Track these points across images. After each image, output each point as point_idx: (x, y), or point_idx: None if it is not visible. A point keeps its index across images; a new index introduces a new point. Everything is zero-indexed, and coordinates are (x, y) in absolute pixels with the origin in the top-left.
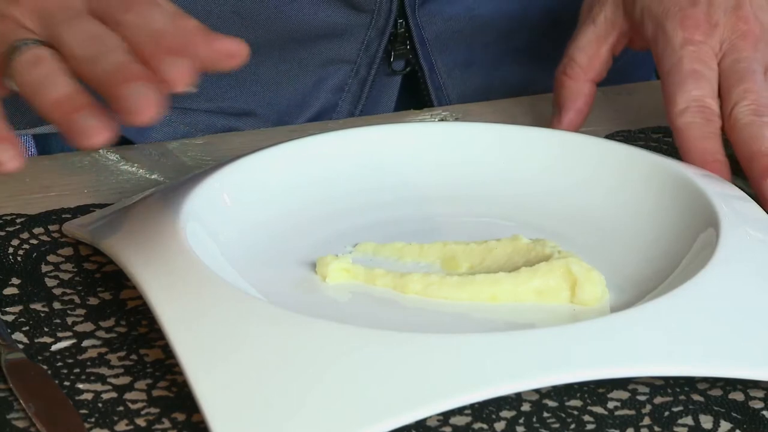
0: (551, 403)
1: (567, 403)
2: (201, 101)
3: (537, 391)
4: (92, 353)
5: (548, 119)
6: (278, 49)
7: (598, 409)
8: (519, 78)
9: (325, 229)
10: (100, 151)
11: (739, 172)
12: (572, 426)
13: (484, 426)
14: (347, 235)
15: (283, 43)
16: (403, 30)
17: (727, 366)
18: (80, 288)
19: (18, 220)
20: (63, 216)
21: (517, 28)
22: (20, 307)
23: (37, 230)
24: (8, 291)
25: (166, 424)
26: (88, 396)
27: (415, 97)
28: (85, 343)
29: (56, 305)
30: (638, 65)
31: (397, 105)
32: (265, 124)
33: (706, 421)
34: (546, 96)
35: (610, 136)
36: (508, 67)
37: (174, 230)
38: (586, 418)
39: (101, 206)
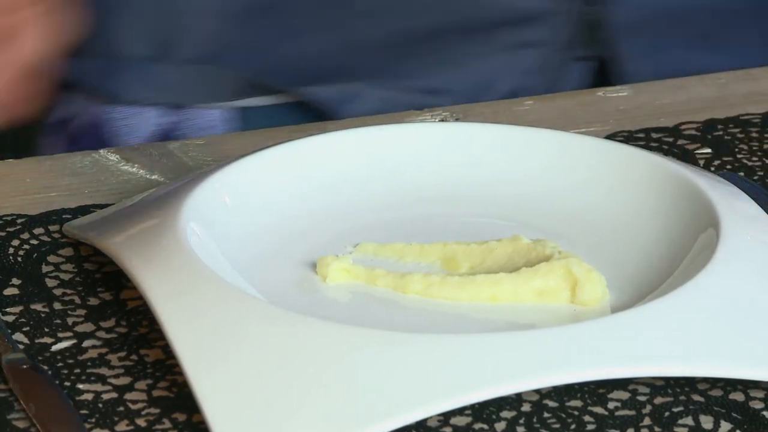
0: (552, 404)
1: (567, 404)
2: (392, 78)
3: (537, 391)
4: (93, 353)
5: (549, 119)
6: (470, 31)
7: (599, 410)
8: (710, 64)
9: (326, 229)
10: (101, 151)
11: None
12: (572, 426)
13: (485, 426)
14: (348, 236)
15: (475, 26)
16: (595, 15)
17: (727, 366)
18: (81, 288)
19: (18, 221)
20: (63, 216)
21: (710, 14)
22: (21, 308)
23: (37, 231)
24: (8, 291)
25: (167, 424)
26: (89, 396)
27: (604, 85)
28: (86, 343)
29: (57, 305)
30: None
31: None
32: (452, 103)
33: (707, 422)
34: (547, 96)
35: (611, 137)
36: (700, 53)
37: (174, 230)
38: (587, 418)
39: (102, 206)
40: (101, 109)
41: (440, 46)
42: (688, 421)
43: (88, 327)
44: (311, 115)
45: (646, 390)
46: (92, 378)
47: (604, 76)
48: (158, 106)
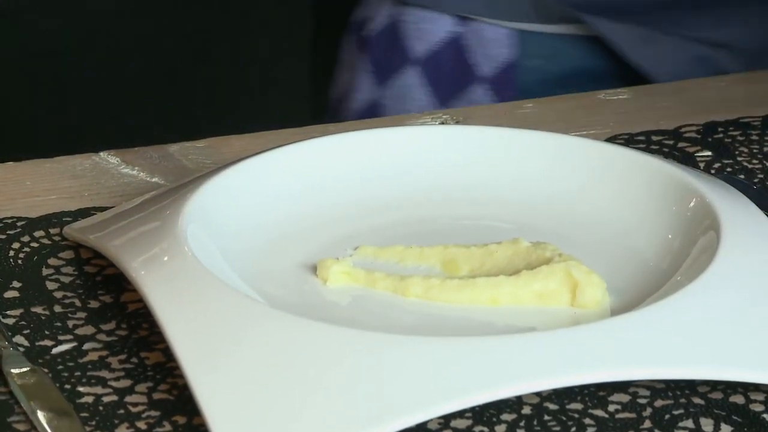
0: (552, 406)
1: (568, 406)
2: (680, 29)
3: (538, 394)
4: (93, 356)
5: (550, 121)
6: None
7: (599, 412)
8: None
9: (326, 232)
10: (101, 154)
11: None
12: (573, 429)
13: (485, 429)
14: (348, 238)
15: None
16: None
17: (727, 369)
18: (81, 291)
19: (19, 224)
20: (64, 219)
21: None
22: (21, 310)
23: (37, 233)
24: (9, 294)
25: (167, 427)
26: (89, 399)
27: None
28: (86, 346)
29: (57, 308)
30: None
31: None
32: (738, 60)
33: (707, 424)
34: (548, 99)
35: (611, 139)
36: None
37: (175, 233)
38: (587, 421)
39: (102, 209)
40: (397, 10)
41: (733, 3)
42: (689, 423)
43: (88, 330)
44: (596, 51)
45: (647, 393)
46: (92, 381)
47: None
48: (450, 14)
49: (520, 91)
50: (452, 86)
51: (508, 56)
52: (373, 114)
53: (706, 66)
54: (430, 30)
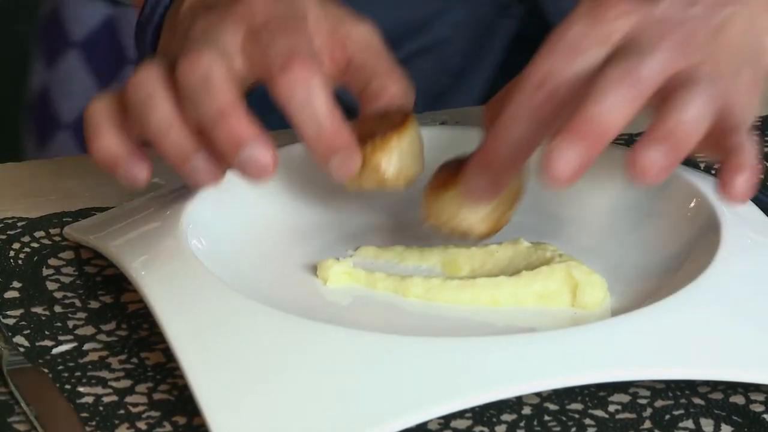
0: (552, 407)
1: (568, 407)
2: None
3: (538, 394)
4: (93, 357)
5: None
6: None
7: (599, 413)
8: None
9: (326, 232)
10: None
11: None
12: (573, 429)
13: (485, 429)
14: (348, 239)
15: None
16: None
17: (728, 369)
18: (81, 291)
19: (19, 224)
20: (64, 219)
21: None
22: (21, 311)
23: (38, 234)
24: (9, 294)
25: (167, 427)
26: (89, 399)
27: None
28: (86, 346)
29: (57, 308)
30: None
31: (517, 52)
32: None
33: (707, 425)
34: None
35: None
36: None
37: (175, 234)
38: (587, 421)
39: (102, 210)
40: None
41: None
42: (689, 424)
43: (88, 330)
44: None
45: (647, 393)
46: (93, 381)
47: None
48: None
49: None
50: (111, 68)
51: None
52: (45, 99)
53: None
54: (87, 14)
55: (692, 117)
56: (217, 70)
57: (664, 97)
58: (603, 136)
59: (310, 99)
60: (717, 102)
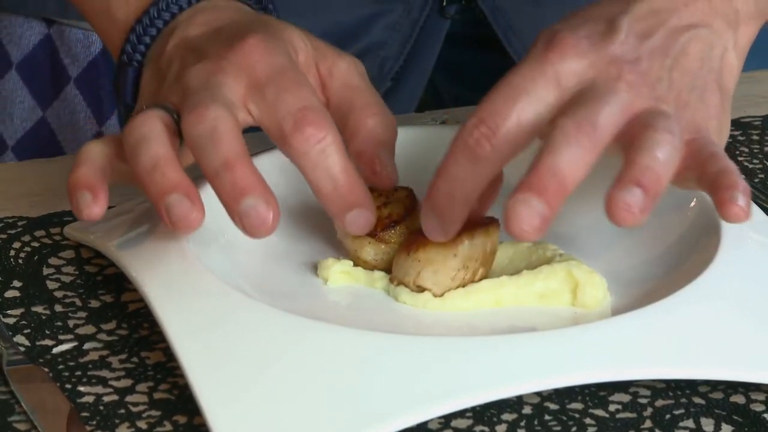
0: (552, 406)
1: (568, 406)
2: None
3: (538, 393)
4: (93, 356)
5: None
6: None
7: (600, 412)
8: None
9: (327, 232)
10: None
11: None
12: (573, 429)
13: (486, 429)
14: None
15: None
16: None
17: (728, 369)
18: (81, 291)
19: (19, 223)
20: (64, 219)
21: None
22: (22, 310)
23: (38, 233)
24: (10, 294)
25: (168, 426)
26: (90, 399)
27: (479, 42)
28: (87, 345)
29: (57, 308)
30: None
31: (451, 48)
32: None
33: (708, 424)
34: None
35: None
36: None
37: (175, 233)
38: (588, 420)
39: None
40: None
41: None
42: (689, 423)
43: (89, 329)
44: None
45: (647, 392)
46: (93, 380)
47: (482, 35)
48: (37, 18)
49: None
50: (49, 87)
51: (91, 55)
52: None
53: None
54: (23, 34)
55: (663, 156)
56: (224, 123)
57: (631, 137)
58: (563, 190)
59: (325, 157)
60: (686, 133)
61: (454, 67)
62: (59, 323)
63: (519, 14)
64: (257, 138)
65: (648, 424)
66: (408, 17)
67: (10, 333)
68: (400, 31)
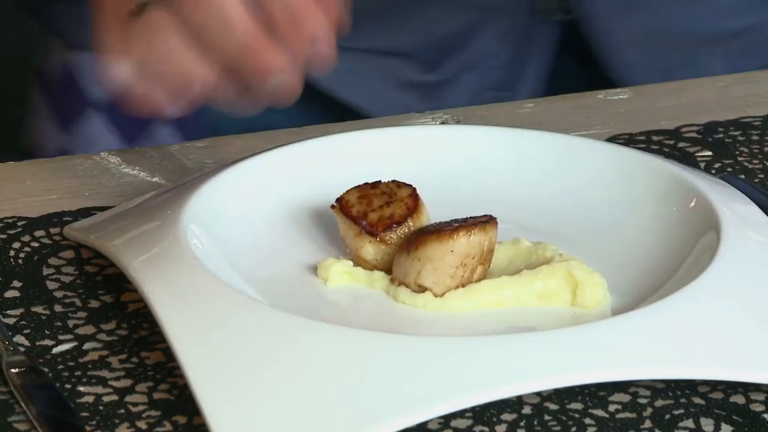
0: (552, 406)
1: (568, 406)
2: (353, 40)
3: (538, 393)
4: (93, 356)
5: (550, 121)
6: None
7: (599, 412)
8: (687, 21)
9: (326, 231)
10: (101, 153)
11: None
12: (573, 429)
13: (485, 429)
14: None
15: None
16: None
17: (728, 369)
18: (81, 291)
19: (19, 223)
20: (64, 219)
21: None
22: (21, 310)
23: (38, 233)
24: (9, 294)
25: (167, 426)
26: (89, 399)
27: (577, 49)
28: (86, 345)
29: (57, 308)
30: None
31: (559, 57)
32: (418, 65)
33: (707, 424)
34: (548, 99)
35: (611, 139)
36: (677, 7)
37: (175, 233)
38: (587, 421)
39: (102, 209)
40: (70, 55)
41: (404, 7)
42: (689, 423)
43: (88, 329)
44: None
45: (647, 392)
46: (93, 380)
47: (580, 41)
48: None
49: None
50: (136, 126)
51: None
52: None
53: (385, 75)
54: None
55: None
56: (231, 3)
57: None
58: None
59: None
60: None
61: (567, 77)
62: (59, 323)
63: (614, 23)
64: (258, 138)
65: (648, 424)
66: (513, 26)
67: (10, 333)
68: (505, 40)
